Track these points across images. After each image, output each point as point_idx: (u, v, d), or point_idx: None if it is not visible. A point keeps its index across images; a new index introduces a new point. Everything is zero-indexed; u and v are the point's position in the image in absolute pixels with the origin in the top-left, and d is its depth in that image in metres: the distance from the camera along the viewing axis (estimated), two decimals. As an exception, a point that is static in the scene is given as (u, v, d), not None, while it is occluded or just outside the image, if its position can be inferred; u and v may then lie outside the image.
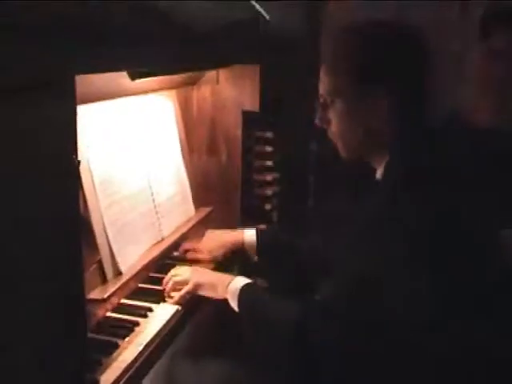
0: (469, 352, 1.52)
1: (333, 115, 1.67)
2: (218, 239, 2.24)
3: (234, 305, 1.84)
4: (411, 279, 1.47)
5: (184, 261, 2.14)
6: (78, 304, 1.31)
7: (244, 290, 1.84)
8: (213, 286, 1.91)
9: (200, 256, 2.23)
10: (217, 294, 1.90)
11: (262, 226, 2.70)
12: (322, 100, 1.70)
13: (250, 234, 2.22)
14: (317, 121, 1.73)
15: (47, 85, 1.15)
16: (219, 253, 2.20)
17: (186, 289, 1.93)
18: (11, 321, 1.13)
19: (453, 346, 1.50)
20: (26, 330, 1.16)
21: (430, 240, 1.48)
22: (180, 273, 2.00)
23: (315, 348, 1.58)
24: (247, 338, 1.90)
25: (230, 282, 1.86)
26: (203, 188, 2.57)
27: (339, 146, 1.71)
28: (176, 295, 1.93)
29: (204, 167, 2.65)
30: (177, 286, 1.96)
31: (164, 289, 1.97)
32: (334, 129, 1.69)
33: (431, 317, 1.48)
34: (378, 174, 1.69)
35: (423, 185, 1.53)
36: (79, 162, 1.26)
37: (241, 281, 1.87)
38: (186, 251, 2.23)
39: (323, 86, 1.69)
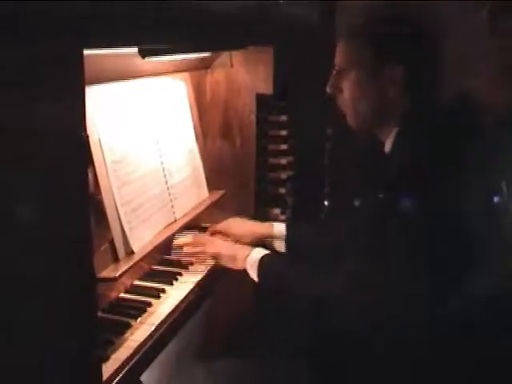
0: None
1: (346, 84, 1.68)
2: (247, 227, 2.20)
3: (253, 275, 1.85)
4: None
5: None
6: (88, 282, 1.29)
7: (263, 260, 1.85)
8: (232, 258, 1.93)
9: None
10: (235, 266, 1.92)
11: (277, 211, 2.69)
12: (336, 69, 1.70)
13: (279, 228, 2.18)
14: (328, 88, 1.73)
15: (55, 59, 1.13)
16: (246, 241, 2.15)
17: (207, 252, 1.99)
18: (22, 299, 1.12)
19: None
20: (35, 309, 1.15)
21: (439, 210, 1.47)
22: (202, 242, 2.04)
23: (331, 316, 1.59)
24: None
25: (249, 254, 1.88)
26: (217, 172, 2.54)
27: (349, 114, 1.71)
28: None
29: (218, 151, 2.62)
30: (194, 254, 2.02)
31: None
32: (346, 96, 1.69)
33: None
34: (387, 148, 1.68)
35: (432, 158, 1.52)
36: (87, 136, 1.23)
37: (260, 252, 1.88)
38: (213, 234, 2.21)
39: (339, 57, 1.70)
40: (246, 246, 1.97)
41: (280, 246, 2.16)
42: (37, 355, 1.17)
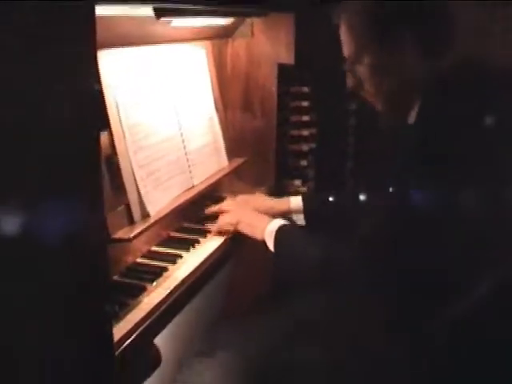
0: None
1: (363, 74, 1.63)
2: (265, 204, 2.17)
3: (270, 245, 1.83)
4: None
5: (216, 217, 2.08)
6: (101, 240, 1.26)
7: (281, 229, 1.83)
8: (252, 226, 1.93)
9: None
10: (254, 235, 1.91)
11: (298, 182, 2.65)
12: (349, 63, 1.66)
13: (296, 201, 2.15)
14: (348, 85, 1.70)
15: (66, 14, 1.09)
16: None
17: (226, 219, 1.99)
18: (34, 257, 1.09)
19: None
20: (48, 265, 1.12)
21: (463, 176, 1.43)
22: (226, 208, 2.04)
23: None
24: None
25: (268, 224, 1.86)
26: (237, 143, 2.50)
27: (377, 103, 1.67)
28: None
29: (238, 123, 2.58)
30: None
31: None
32: (367, 87, 1.65)
33: None
34: (411, 119, 1.63)
35: (456, 126, 1.46)
36: (99, 91, 1.20)
37: (278, 222, 1.86)
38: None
39: (347, 48, 1.65)
40: (267, 217, 1.94)
41: (298, 219, 2.13)
42: (48, 313, 1.15)
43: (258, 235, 1.89)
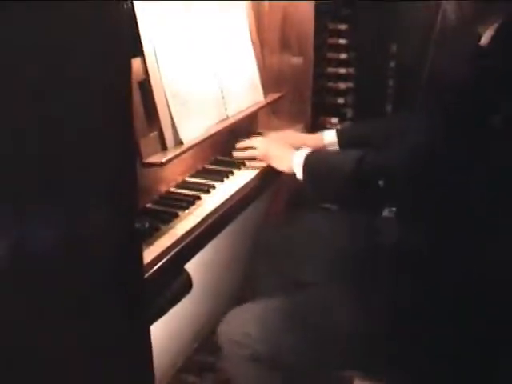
0: None
1: None
2: (298, 139, 2.11)
3: (299, 174, 1.79)
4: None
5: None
6: (131, 163, 1.23)
7: (309, 155, 1.79)
8: (279, 159, 1.89)
9: None
10: (282, 167, 1.88)
11: (335, 120, 2.59)
12: None
13: (330, 136, 2.10)
14: None
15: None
16: None
17: (254, 152, 1.97)
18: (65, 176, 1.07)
19: None
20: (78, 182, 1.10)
21: None
22: (256, 144, 2.00)
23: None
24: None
25: (296, 153, 1.82)
26: (274, 80, 2.43)
27: (455, 10, 1.54)
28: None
29: (275, 60, 2.51)
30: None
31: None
32: None
33: None
34: (484, 40, 1.52)
35: None
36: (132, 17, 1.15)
37: (305, 151, 1.82)
38: None
39: None
40: (293, 149, 1.89)
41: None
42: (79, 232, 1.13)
43: (284, 167, 1.86)
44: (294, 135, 2.17)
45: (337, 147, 2.07)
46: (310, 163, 1.77)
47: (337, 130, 2.11)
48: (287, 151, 1.88)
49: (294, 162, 1.80)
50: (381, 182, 1.54)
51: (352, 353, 1.59)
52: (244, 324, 1.65)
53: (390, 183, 1.55)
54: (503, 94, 1.38)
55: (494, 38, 1.47)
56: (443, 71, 1.97)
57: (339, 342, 1.57)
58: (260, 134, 2.25)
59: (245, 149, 2.02)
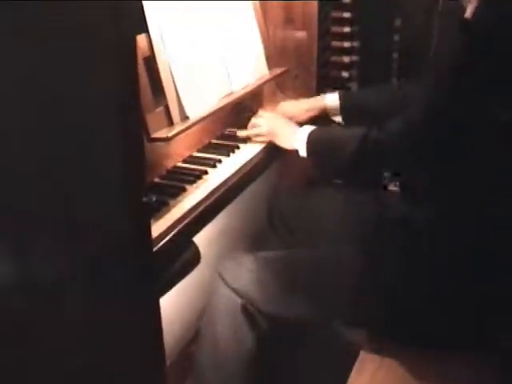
0: None
1: None
2: (300, 105, 2.12)
3: (302, 151, 1.78)
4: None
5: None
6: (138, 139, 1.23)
7: (312, 132, 1.78)
8: (284, 136, 1.88)
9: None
10: (284, 144, 1.87)
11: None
12: None
13: (332, 98, 2.07)
14: None
15: None
16: (302, 118, 2.07)
17: (257, 130, 1.95)
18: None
19: None
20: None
21: None
22: (260, 122, 1.97)
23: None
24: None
25: (298, 130, 1.82)
26: (278, 55, 2.42)
27: None
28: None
29: (280, 34, 2.49)
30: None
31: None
32: None
33: None
34: (468, 13, 1.50)
35: None
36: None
37: (309, 127, 1.81)
38: None
39: None
40: (296, 125, 1.89)
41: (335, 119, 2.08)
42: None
43: (288, 145, 1.85)
44: (296, 103, 2.15)
45: (338, 115, 2.06)
46: (313, 141, 1.76)
47: (340, 94, 2.07)
48: (290, 129, 1.87)
49: (297, 140, 1.79)
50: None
51: (350, 307, 1.60)
52: (243, 273, 1.64)
53: (393, 159, 1.55)
54: (488, 67, 1.38)
55: (476, 11, 1.45)
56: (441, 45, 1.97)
57: (339, 296, 1.59)
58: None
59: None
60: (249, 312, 1.59)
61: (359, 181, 1.91)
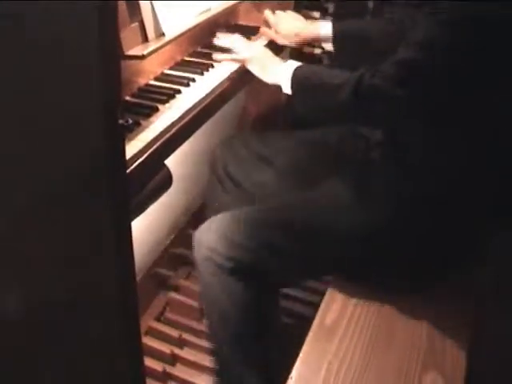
0: None
1: None
2: (295, 26, 2.01)
3: (285, 88, 1.66)
4: None
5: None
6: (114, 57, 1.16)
7: (299, 68, 1.66)
8: (265, 69, 1.75)
9: (273, 35, 2.04)
10: (267, 78, 1.74)
11: (316, 14, 2.51)
12: None
13: (326, 28, 1.94)
14: None
15: None
16: (292, 40, 1.99)
17: (236, 56, 1.82)
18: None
19: None
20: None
21: None
22: (237, 46, 1.86)
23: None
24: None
25: (283, 66, 1.70)
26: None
27: None
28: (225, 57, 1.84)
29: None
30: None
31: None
32: None
33: None
34: None
35: None
36: None
37: (293, 64, 1.68)
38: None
39: None
40: (279, 59, 1.76)
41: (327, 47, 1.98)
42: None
43: (269, 79, 1.73)
44: (293, 21, 2.04)
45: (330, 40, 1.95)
46: (299, 77, 1.63)
47: (333, 24, 1.95)
48: (273, 61, 1.75)
49: (280, 75, 1.67)
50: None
51: (335, 253, 1.59)
52: (222, 229, 1.59)
53: (388, 106, 1.46)
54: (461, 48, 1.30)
55: None
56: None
57: (324, 243, 1.57)
58: (240, 26, 2.16)
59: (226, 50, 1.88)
60: (230, 267, 1.57)
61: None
